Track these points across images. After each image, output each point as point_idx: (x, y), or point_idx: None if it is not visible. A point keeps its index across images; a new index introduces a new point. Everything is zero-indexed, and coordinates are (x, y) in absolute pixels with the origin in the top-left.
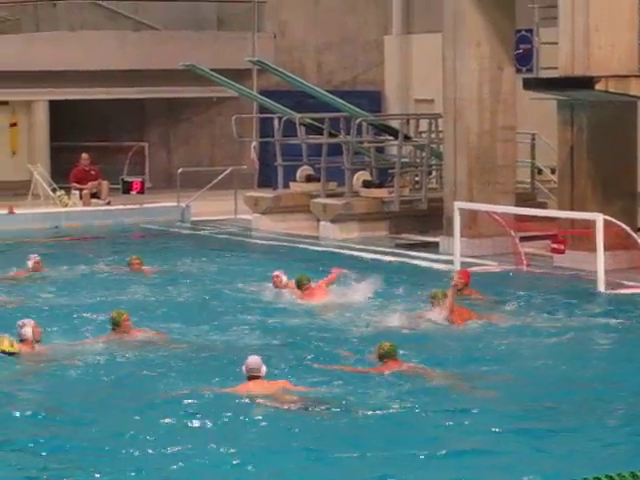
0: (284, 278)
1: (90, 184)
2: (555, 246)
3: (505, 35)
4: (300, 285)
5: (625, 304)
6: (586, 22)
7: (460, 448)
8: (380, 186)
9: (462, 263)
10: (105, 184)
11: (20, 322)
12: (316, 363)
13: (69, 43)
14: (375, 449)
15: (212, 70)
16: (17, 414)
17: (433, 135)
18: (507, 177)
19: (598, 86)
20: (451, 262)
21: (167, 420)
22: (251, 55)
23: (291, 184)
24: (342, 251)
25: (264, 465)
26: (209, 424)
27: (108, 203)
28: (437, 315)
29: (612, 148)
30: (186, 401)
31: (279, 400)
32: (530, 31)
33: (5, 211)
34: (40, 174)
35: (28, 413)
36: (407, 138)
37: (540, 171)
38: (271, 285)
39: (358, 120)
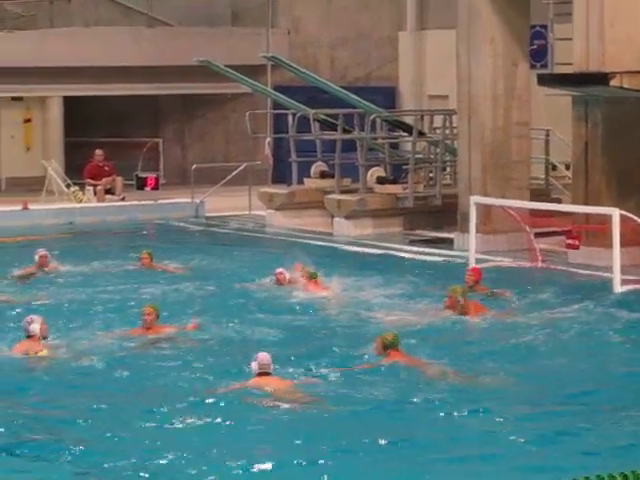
0: (287, 275)
1: (104, 180)
2: (570, 242)
3: (519, 31)
4: (312, 277)
5: None
6: (601, 18)
7: (466, 445)
8: (394, 182)
9: (477, 259)
10: (119, 180)
11: (28, 318)
12: (324, 360)
13: (84, 39)
14: (383, 445)
15: (226, 66)
16: (31, 414)
17: (447, 131)
18: (521, 173)
19: (613, 82)
20: (465, 258)
21: (178, 414)
22: (265, 51)
23: (305, 180)
24: (356, 247)
25: (272, 460)
26: (219, 419)
27: (122, 199)
28: (451, 311)
29: (627, 144)
30: (194, 397)
31: (288, 396)
32: (545, 27)
33: (20, 207)
34: (54, 170)
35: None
36: (421, 134)
37: (554, 167)
38: (273, 281)
39: (372, 116)
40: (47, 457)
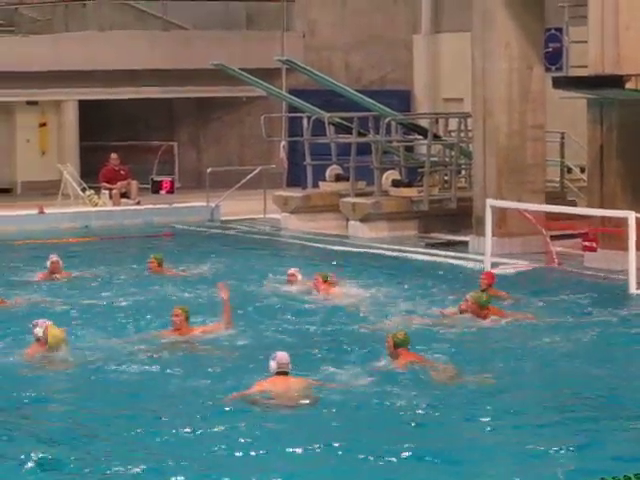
0: (300, 277)
1: (119, 184)
2: (586, 244)
3: (534, 34)
4: (326, 279)
5: None
6: (616, 20)
7: (476, 445)
8: (409, 185)
9: (492, 262)
10: (134, 184)
11: (34, 322)
12: (339, 362)
13: (98, 43)
14: (396, 446)
15: (241, 69)
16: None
17: (462, 134)
18: (536, 176)
19: (628, 85)
20: (481, 261)
21: (195, 413)
22: (280, 54)
23: (320, 183)
24: (371, 250)
25: (288, 460)
26: (236, 419)
27: (138, 203)
28: (466, 314)
29: None
30: (209, 401)
31: (304, 396)
32: (560, 30)
33: (35, 211)
34: (70, 174)
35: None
36: (436, 137)
37: (570, 170)
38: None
39: (387, 119)
40: (69, 463)
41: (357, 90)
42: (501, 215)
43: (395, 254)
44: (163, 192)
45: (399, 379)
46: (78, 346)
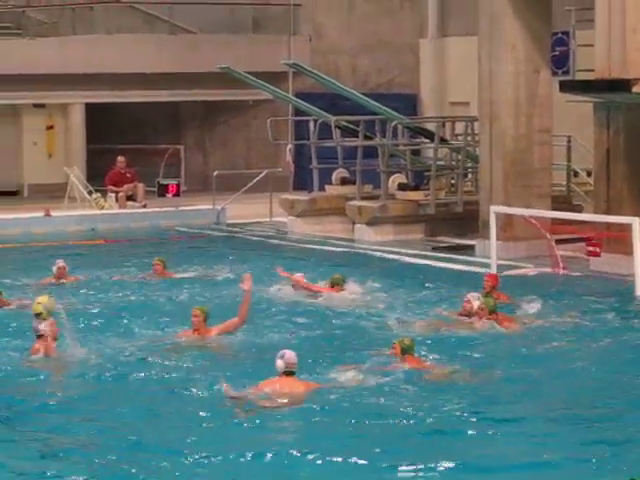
0: (304, 281)
1: (126, 187)
2: (591, 249)
3: (541, 38)
4: (335, 284)
5: None
6: (623, 24)
7: (482, 452)
8: (416, 189)
9: (498, 266)
10: (141, 187)
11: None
12: (344, 363)
13: (106, 46)
14: (402, 451)
15: (248, 73)
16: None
17: (469, 138)
18: (543, 180)
19: (635, 89)
20: (487, 265)
21: (200, 412)
22: (287, 58)
23: (326, 187)
24: (377, 254)
25: (293, 461)
26: (241, 420)
27: (144, 206)
28: (468, 317)
29: None
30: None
31: (308, 398)
32: (566, 33)
33: (42, 213)
34: (76, 177)
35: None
36: (443, 141)
37: (576, 174)
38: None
39: (394, 123)
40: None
41: (363, 94)
42: (507, 219)
43: (401, 258)
44: (169, 195)
45: (405, 384)
46: (92, 348)
